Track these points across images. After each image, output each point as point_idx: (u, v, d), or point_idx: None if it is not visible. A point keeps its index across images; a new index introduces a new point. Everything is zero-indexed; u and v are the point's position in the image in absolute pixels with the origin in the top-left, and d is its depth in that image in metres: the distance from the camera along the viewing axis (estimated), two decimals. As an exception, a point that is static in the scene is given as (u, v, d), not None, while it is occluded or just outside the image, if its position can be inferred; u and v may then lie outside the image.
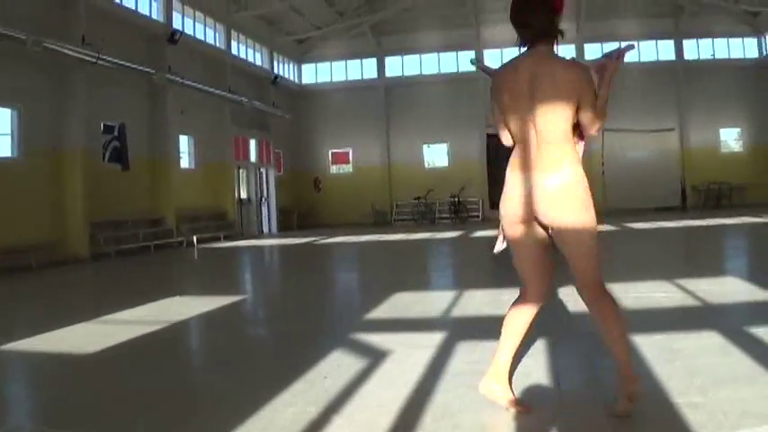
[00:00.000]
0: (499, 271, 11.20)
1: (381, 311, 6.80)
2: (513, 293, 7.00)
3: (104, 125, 17.42)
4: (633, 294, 6.72)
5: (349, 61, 31.29)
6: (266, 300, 9.21)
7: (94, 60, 16.13)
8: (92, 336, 6.12)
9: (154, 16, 20.07)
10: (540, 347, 4.67)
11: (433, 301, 7.40)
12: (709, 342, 4.55)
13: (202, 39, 23.05)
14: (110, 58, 16.69)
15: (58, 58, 15.47)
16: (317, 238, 21.14)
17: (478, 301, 7.03)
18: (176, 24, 20.94)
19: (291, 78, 30.75)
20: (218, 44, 24.00)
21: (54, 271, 13.94)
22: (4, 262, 13.64)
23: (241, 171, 25.49)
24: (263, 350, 5.65)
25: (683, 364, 4.03)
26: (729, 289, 7.06)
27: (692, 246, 14.19)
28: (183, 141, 22.06)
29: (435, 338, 5.15)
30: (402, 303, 7.28)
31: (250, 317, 7.70)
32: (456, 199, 29.13)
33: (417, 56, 30.80)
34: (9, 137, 14.97)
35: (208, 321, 7.03)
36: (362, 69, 31.33)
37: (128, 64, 17.74)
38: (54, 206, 15.78)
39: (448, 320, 6.18)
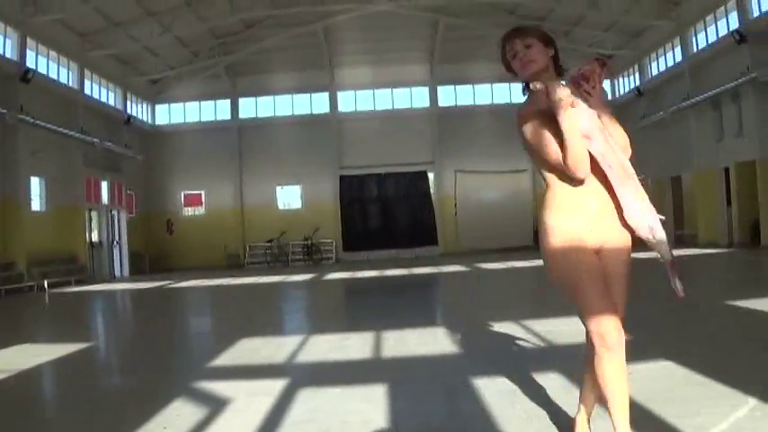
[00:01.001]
0: (348, 315, 11.64)
1: (226, 358, 6.74)
2: (360, 338, 7.81)
3: (-45, 167, 16.54)
4: (480, 335, 7.15)
5: (203, 102, 31.07)
6: (113, 347, 9.09)
7: (-53, 100, 15.39)
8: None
9: (7, 54, 19.27)
10: (380, 392, 4.77)
11: (278, 347, 7.25)
12: (551, 384, 4.57)
13: (56, 78, 22.29)
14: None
15: None
16: (168, 283, 20.80)
17: (324, 347, 7.08)
18: (30, 63, 20.18)
19: (145, 119, 30.10)
20: (71, 83, 23.26)
21: None
22: None
23: (92, 213, 24.59)
24: (104, 400, 5.45)
25: (523, 408, 4.08)
26: (576, 329, 7.46)
27: (541, 286, 14.86)
28: (35, 183, 21.09)
29: (278, 385, 5.13)
30: (248, 349, 7.22)
31: (95, 365, 7.49)
32: (309, 241, 29.42)
33: (271, 97, 31.09)
34: None
35: (52, 370, 6.89)
36: (216, 110, 31.24)
37: (-21, 104, 16.94)
38: None
39: (292, 366, 6.18)
